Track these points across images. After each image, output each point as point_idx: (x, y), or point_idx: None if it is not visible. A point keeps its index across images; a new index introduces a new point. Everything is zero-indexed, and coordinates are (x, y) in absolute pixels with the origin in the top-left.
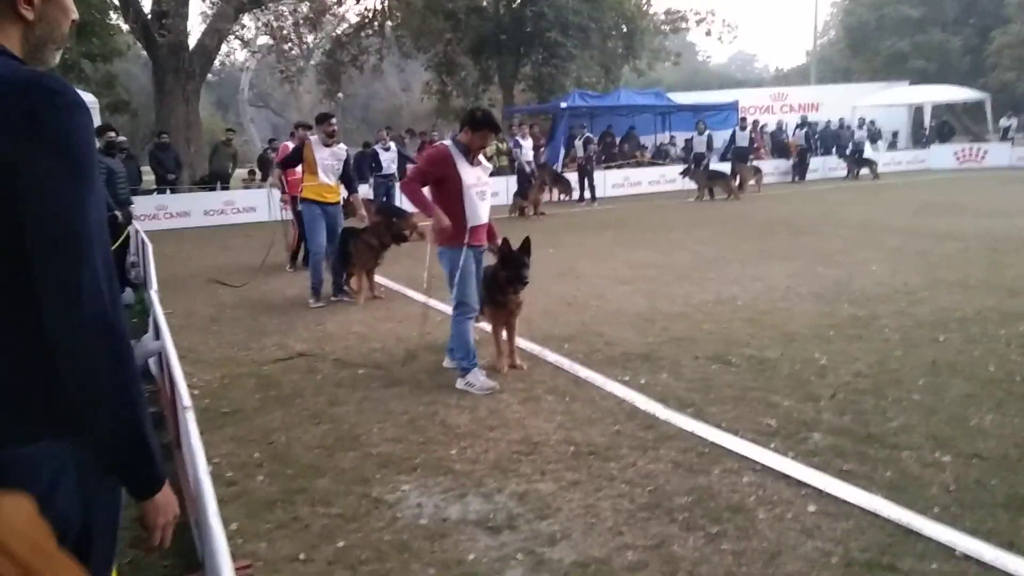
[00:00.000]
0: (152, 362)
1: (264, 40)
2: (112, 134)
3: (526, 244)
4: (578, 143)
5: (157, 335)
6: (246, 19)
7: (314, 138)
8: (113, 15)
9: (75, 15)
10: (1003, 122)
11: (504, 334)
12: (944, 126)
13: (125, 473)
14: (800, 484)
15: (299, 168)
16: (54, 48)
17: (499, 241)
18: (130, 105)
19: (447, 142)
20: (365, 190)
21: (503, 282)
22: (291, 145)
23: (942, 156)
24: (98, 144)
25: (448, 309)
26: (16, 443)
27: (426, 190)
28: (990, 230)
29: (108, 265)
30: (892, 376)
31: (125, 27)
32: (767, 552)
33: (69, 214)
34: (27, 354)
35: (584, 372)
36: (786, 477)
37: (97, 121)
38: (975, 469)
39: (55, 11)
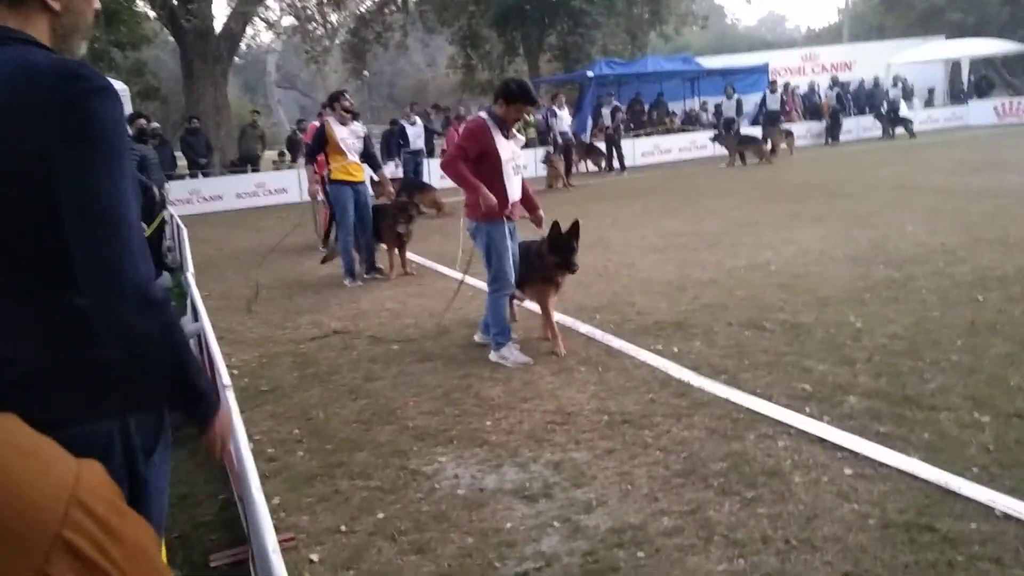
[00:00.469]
0: (191, 343)
1: (289, 21)
2: (143, 121)
3: (575, 228)
4: (605, 112)
5: (195, 317)
6: (270, 1)
7: (331, 118)
8: (140, 3)
9: (98, 5)
10: None
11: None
12: (983, 80)
13: (187, 409)
14: (836, 448)
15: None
16: (80, 38)
17: (540, 213)
18: (160, 91)
19: (483, 115)
20: (393, 168)
21: (551, 267)
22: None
23: (981, 112)
24: (130, 131)
25: (481, 284)
26: (65, 424)
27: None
28: None
29: (143, 243)
30: (929, 337)
31: (152, 14)
32: (803, 515)
33: (105, 195)
34: (70, 338)
35: (616, 342)
36: (821, 441)
37: (128, 109)
38: (1015, 429)
39: (80, 2)
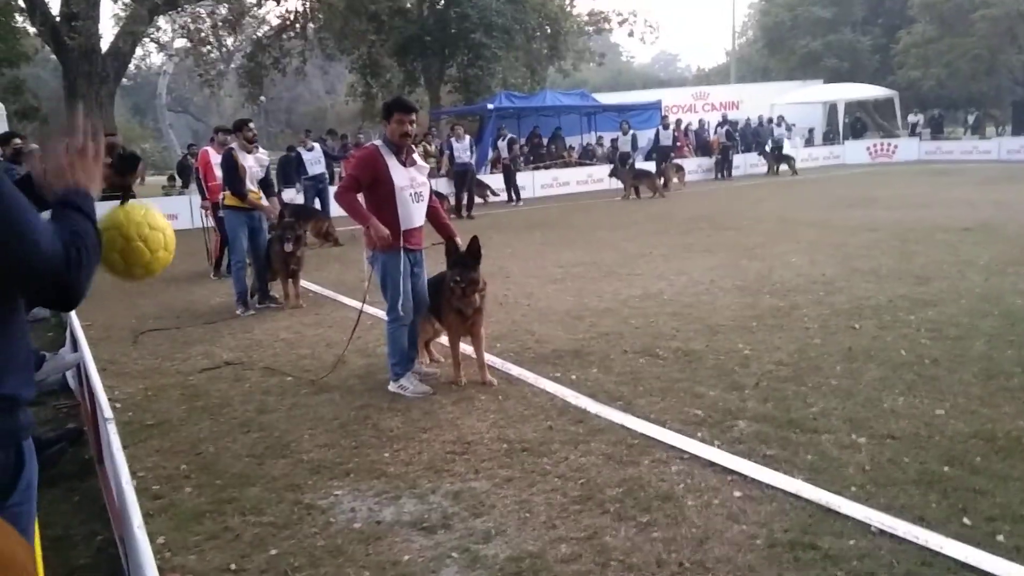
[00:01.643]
0: (70, 375)
1: (181, 43)
2: (18, 141)
3: (473, 245)
4: (501, 144)
5: (75, 348)
6: (161, 21)
7: (235, 145)
8: (19, 18)
9: None
10: (911, 118)
11: (471, 347)
12: (857, 122)
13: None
14: (726, 471)
15: (219, 175)
16: None
17: (457, 239)
18: (40, 111)
19: (377, 142)
20: (294, 194)
21: (451, 291)
22: (211, 152)
23: (856, 151)
24: (7, 150)
25: (383, 314)
26: None
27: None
28: (900, 221)
29: (41, 221)
30: (811, 363)
31: (32, 30)
32: (696, 538)
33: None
34: None
35: (516, 370)
36: (713, 464)
37: (3, 128)
38: (888, 449)
39: None
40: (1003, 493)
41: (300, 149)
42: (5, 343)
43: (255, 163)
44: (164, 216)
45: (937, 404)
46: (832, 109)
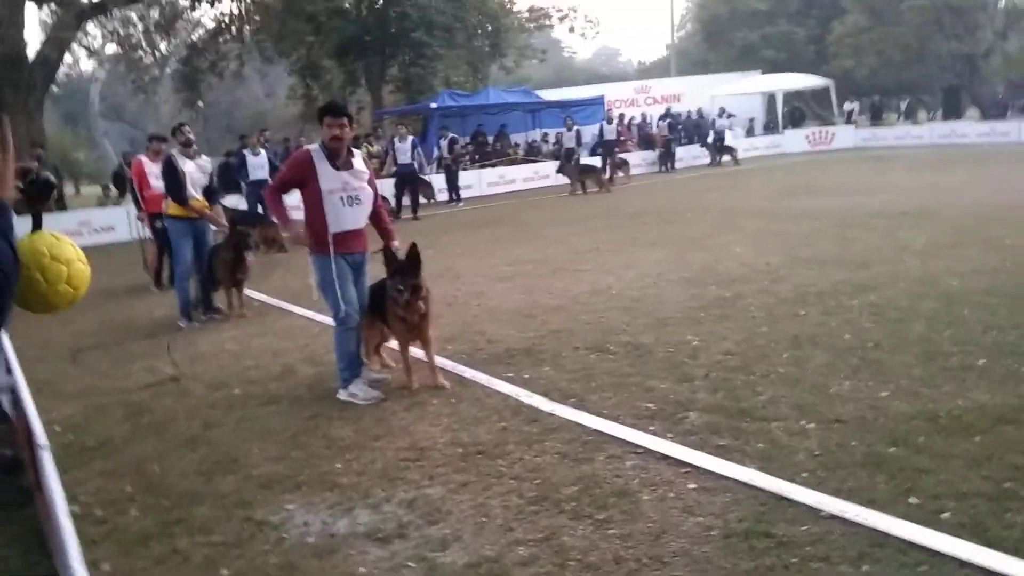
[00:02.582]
0: (5, 399)
1: (113, 49)
2: None
3: (412, 251)
4: (443, 143)
5: (8, 370)
6: (91, 27)
7: (175, 151)
8: None
9: None
10: (847, 106)
11: (421, 351)
12: (795, 112)
13: None
14: (680, 463)
15: (155, 184)
16: None
17: (395, 243)
18: None
19: (312, 146)
20: (238, 199)
21: (394, 296)
22: (145, 160)
23: (795, 140)
24: None
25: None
26: None
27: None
28: (840, 208)
29: None
30: (759, 352)
31: None
32: (652, 533)
33: None
34: None
35: (468, 372)
36: (667, 458)
37: None
38: (836, 433)
39: None
40: (946, 471)
41: (246, 152)
42: None
43: (196, 169)
44: (77, 248)
45: (881, 387)
46: (771, 100)
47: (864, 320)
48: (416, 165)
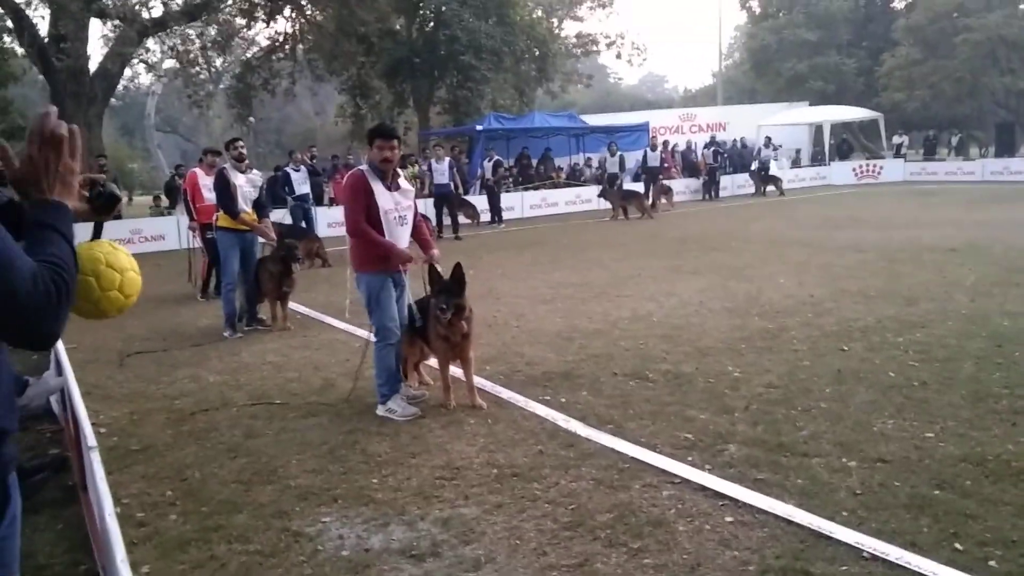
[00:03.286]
0: (54, 400)
1: (170, 64)
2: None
3: (456, 271)
4: (487, 164)
5: (59, 372)
6: (151, 43)
7: (227, 164)
8: (7, 38)
9: None
10: (895, 139)
11: (460, 370)
12: (843, 144)
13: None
14: (717, 495)
15: (207, 196)
16: None
17: (434, 251)
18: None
19: (363, 167)
20: (282, 214)
21: (437, 315)
22: (199, 173)
23: (842, 172)
24: None
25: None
26: None
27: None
28: (887, 242)
29: (22, 258)
30: (801, 386)
31: (20, 51)
32: (687, 565)
33: None
34: None
35: (506, 393)
36: (704, 489)
37: None
38: (879, 472)
39: None
40: (994, 517)
41: (288, 168)
42: None
43: (247, 183)
44: (131, 258)
45: (927, 427)
46: (818, 131)
47: (910, 358)
48: (452, 185)
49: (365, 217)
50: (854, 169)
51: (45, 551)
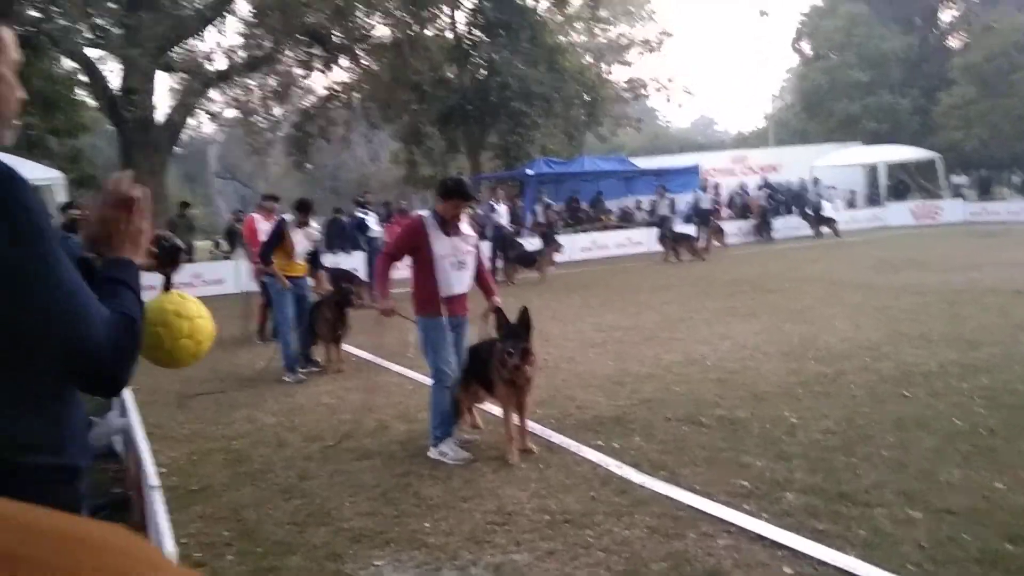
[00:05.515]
0: (118, 440)
1: (232, 113)
2: (77, 212)
3: (523, 316)
4: (538, 208)
5: (123, 412)
6: (214, 93)
7: (289, 219)
8: (80, 91)
9: (23, 94)
10: (955, 179)
11: (515, 416)
12: (900, 184)
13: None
14: (775, 545)
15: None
16: (5, 126)
17: (496, 299)
18: (96, 179)
19: (424, 213)
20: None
21: (504, 359)
22: (258, 218)
23: (899, 213)
24: (63, 219)
25: (425, 379)
26: None
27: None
28: (948, 284)
29: (95, 305)
30: (860, 432)
31: (92, 103)
32: None
33: (52, 287)
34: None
35: (557, 438)
36: (761, 539)
37: (62, 197)
38: (946, 524)
39: (6, 89)
40: None
41: (361, 213)
42: (67, 414)
43: (304, 238)
44: (201, 306)
45: (996, 477)
46: (873, 171)
47: (976, 404)
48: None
49: (406, 257)
50: (911, 210)
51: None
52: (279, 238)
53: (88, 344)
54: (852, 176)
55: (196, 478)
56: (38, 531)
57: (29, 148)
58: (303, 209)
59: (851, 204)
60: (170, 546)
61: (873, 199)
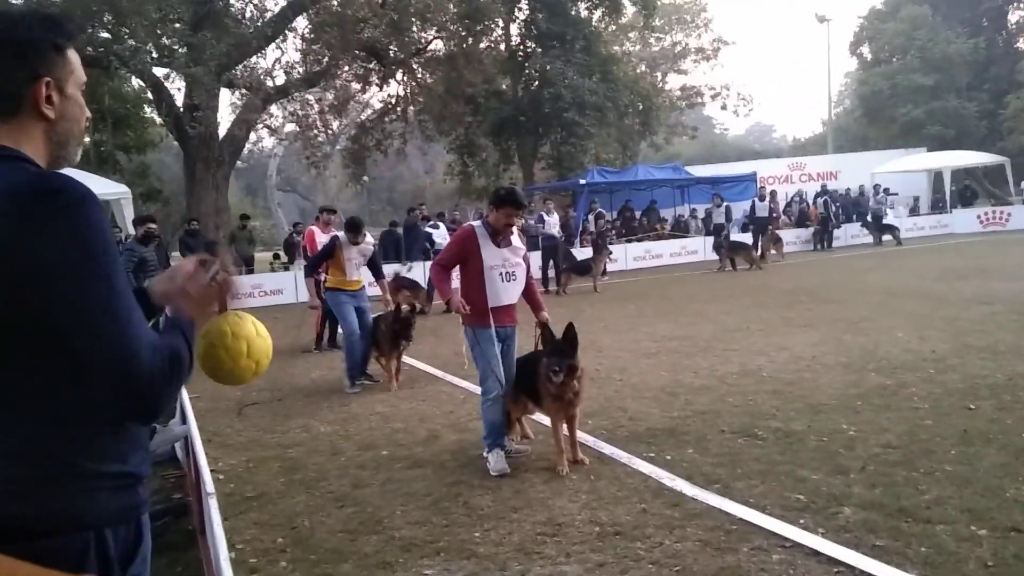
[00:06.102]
0: (178, 447)
1: (291, 127)
2: (153, 226)
3: (569, 331)
4: (591, 218)
5: (183, 420)
6: (273, 108)
7: (343, 237)
8: (147, 108)
9: (88, 114)
10: None
11: (564, 427)
12: (967, 190)
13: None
14: (832, 561)
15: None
16: (76, 143)
17: (543, 314)
18: (162, 193)
19: (475, 223)
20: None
21: (550, 375)
22: (316, 231)
23: (965, 220)
24: (139, 232)
25: (477, 388)
26: (38, 535)
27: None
28: (1018, 293)
29: (145, 329)
30: (923, 447)
31: (158, 120)
32: None
33: (103, 301)
34: (51, 447)
35: (608, 449)
36: (817, 554)
37: (129, 211)
38: (1013, 543)
39: (73, 107)
40: None
41: (428, 227)
42: (131, 425)
43: (358, 254)
44: (259, 324)
45: None
46: (938, 177)
47: None
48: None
49: (459, 267)
50: (979, 216)
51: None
52: (328, 254)
53: (131, 364)
54: (916, 182)
55: (252, 485)
56: None
57: (99, 164)
58: (353, 229)
59: (914, 211)
60: (224, 553)
61: (938, 206)
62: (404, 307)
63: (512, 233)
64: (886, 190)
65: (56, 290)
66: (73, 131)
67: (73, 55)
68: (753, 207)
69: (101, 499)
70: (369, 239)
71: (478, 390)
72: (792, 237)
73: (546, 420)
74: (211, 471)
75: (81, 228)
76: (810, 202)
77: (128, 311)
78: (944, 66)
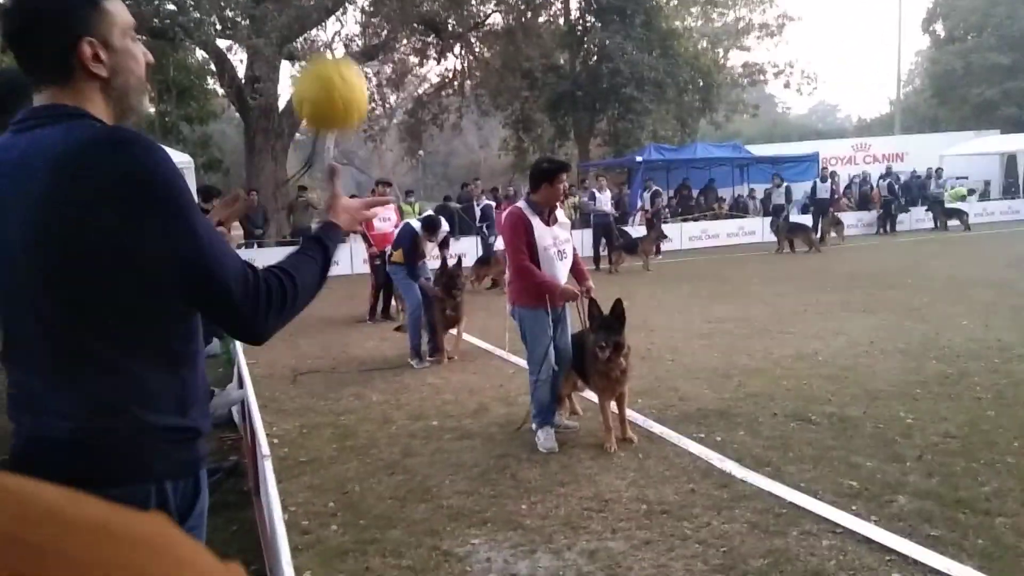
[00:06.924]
0: (235, 411)
1: None
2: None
3: (616, 307)
4: (646, 195)
5: (241, 384)
6: None
7: (417, 227)
8: (210, 80)
9: (149, 58)
10: None
11: (613, 405)
12: None
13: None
14: (884, 549)
15: (379, 225)
16: (137, 94)
17: (589, 283)
18: (223, 164)
19: (520, 204)
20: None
21: (597, 352)
22: None
23: None
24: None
25: (525, 363)
26: (103, 485)
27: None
28: None
29: (239, 263)
30: (984, 438)
31: (220, 91)
32: None
33: (196, 247)
34: (118, 402)
35: (658, 428)
36: (869, 542)
37: (191, 180)
38: None
39: (126, 60)
40: None
41: (489, 199)
42: (191, 377)
43: (431, 246)
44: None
45: None
46: (1011, 160)
47: None
48: (612, 217)
49: (527, 253)
50: None
51: (220, 550)
52: (413, 250)
53: (228, 292)
54: (987, 166)
55: (305, 450)
56: (64, 520)
57: (164, 134)
58: (429, 229)
59: (984, 196)
60: (278, 514)
61: (1011, 190)
62: (450, 262)
63: (557, 209)
64: (940, 172)
65: (150, 242)
66: (130, 82)
67: (112, 4)
68: (814, 188)
69: (164, 451)
70: (444, 227)
71: (525, 364)
72: (854, 220)
73: (595, 397)
74: (266, 435)
75: (158, 178)
76: (874, 184)
77: (208, 240)
78: (1022, 44)
